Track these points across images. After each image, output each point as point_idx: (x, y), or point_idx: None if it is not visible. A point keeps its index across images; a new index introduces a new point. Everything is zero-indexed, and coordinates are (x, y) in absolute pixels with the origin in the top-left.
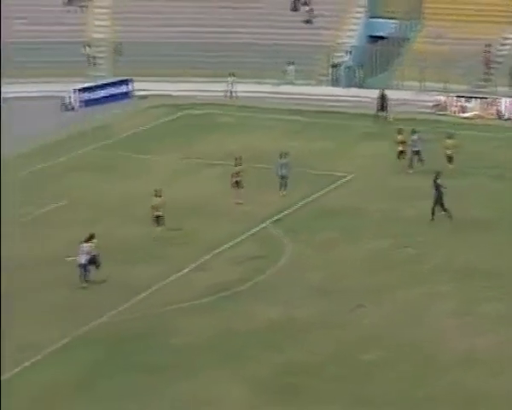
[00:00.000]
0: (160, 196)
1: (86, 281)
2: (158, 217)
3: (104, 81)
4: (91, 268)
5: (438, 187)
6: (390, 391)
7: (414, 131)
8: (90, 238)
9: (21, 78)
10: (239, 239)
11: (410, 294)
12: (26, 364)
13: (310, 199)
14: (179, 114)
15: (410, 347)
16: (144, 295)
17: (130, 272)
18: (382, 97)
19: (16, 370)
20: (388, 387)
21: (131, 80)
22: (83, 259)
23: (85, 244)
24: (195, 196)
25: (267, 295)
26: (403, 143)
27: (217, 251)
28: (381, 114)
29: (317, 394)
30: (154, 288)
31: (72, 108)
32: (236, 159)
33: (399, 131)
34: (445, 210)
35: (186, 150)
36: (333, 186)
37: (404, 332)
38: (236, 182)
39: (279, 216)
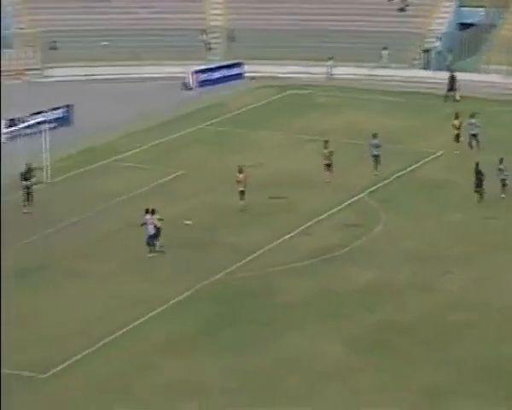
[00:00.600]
0: (242, 173)
1: (155, 251)
2: (241, 191)
3: (218, 64)
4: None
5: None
6: (475, 350)
7: (472, 115)
8: (153, 212)
9: (147, 60)
10: (337, 208)
11: (496, 261)
12: (152, 314)
13: (403, 172)
14: (284, 93)
15: (495, 310)
16: (253, 256)
17: (241, 236)
18: (452, 79)
19: (143, 319)
20: (474, 346)
21: (243, 63)
22: (151, 230)
23: (150, 216)
24: (298, 169)
25: (363, 260)
26: (458, 127)
27: (318, 219)
28: (450, 94)
29: (408, 352)
30: (262, 251)
31: (191, 88)
32: (326, 141)
33: (456, 116)
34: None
35: (290, 127)
36: (424, 161)
37: (489, 297)
38: (326, 164)
39: (374, 188)
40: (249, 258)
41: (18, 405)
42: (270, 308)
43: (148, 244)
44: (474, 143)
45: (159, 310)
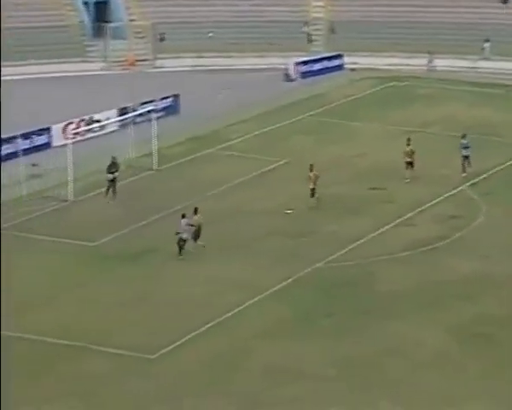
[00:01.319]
0: (313, 171)
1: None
2: (312, 189)
3: (320, 55)
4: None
5: None
6: None
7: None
8: (195, 212)
9: (250, 52)
10: (438, 200)
11: None
12: (254, 300)
13: (504, 166)
14: (384, 85)
15: None
16: (354, 246)
17: (341, 225)
18: None
19: (245, 304)
20: None
21: (343, 55)
22: (186, 235)
23: (186, 220)
24: (396, 161)
25: (464, 251)
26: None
27: (418, 210)
28: None
29: (508, 345)
30: (363, 240)
31: (292, 79)
32: (408, 139)
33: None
34: None
35: (389, 118)
36: None
37: None
38: (407, 162)
39: (475, 180)
40: (350, 247)
41: (128, 384)
42: (370, 297)
43: (181, 247)
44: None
45: (260, 296)
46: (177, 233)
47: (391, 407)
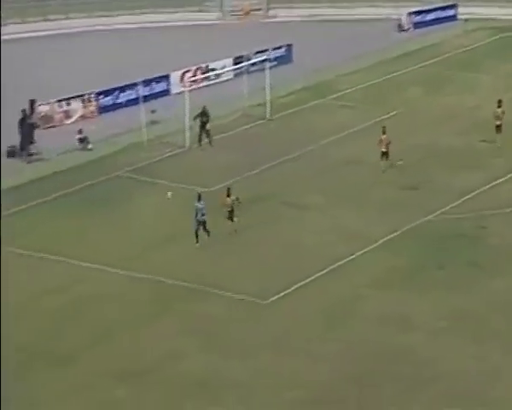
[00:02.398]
0: (385, 134)
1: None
2: (383, 152)
3: (433, 6)
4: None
5: None
6: None
7: None
8: (228, 194)
9: (362, 2)
10: None
11: None
12: (365, 249)
13: None
14: (499, 36)
15: None
16: (466, 198)
17: (454, 178)
18: None
19: (357, 254)
20: None
21: (457, 5)
22: (200, 217)
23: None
24: (509, 113)
25: None
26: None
27: None
28: None
29: None
30: (475, 193)
31: (405, 30)
32: (499, 101)
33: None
34: None
35: (504, 70)
36: None
37: None
38: (497, 125)
39: None
40: (461, 200)
41: (240, 328)
42: (482, 251)
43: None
44: None
45: (372, 246)
46: (196, 215)
47: (501, 359)
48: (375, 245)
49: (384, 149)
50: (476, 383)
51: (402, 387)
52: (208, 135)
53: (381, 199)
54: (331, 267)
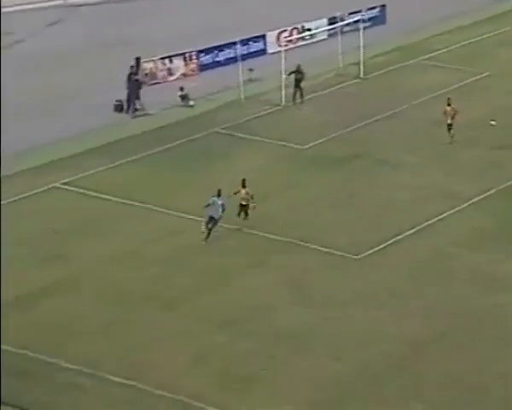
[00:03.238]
0: (450, 105)
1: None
2: (449, 124)
3: None
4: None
5: None
6: None
7: None
8: (243, 185)
9: None
10: None
11: None
12: (456, 209)
13: None
14: None
15: None
16: None
17: None
18: None
19: (448, 213)
20: None
21: None
22: (215, 213)
23: (220, 198)
24: None
25: None
26: None
27: None
28: None
29: None
30: None
31: None
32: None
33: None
34: None
35: None
36: None
37: None
38: None
39: None
40: None
41: (333, 280)
42: None
43: (209, 228)
44: None
45: (463, 205)
46: (207, 206)
47: None
48: (466, 204)
49: (449, 121)
50: None
51: (487, 346)
52: (301, 93)
53: (474, 159)
54: (422, 225)
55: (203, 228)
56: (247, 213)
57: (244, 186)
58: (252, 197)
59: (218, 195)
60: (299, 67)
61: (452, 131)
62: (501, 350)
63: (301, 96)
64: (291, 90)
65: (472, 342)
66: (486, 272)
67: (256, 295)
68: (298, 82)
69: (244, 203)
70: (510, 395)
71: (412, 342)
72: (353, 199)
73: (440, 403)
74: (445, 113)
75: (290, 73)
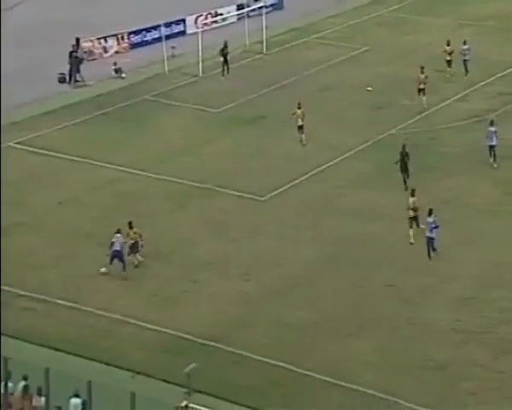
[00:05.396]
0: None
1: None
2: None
3: None
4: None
5: None
6: None
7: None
8: (130, 226)
9: None
10: (491, 79)
11: None
12: (341, 157)
13: None
14: None
15: None
16: (420, 116)
17: (412, 100)
18: None
19: (335, 161)
20: None
21: None
22: (117, 246)
23: (121, 235)
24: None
25: (510, 121)
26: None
27: (474, 88)
28: None
29: None
30: (428, 112)
31: None
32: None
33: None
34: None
35: (456, 14)
36: None
37: None
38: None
39: None
40: (418, 117)
41: (245, 218)
42: (434, 157)
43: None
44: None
45: (346, 155)
46: (111, 245)
47: (443, 240)
48: (348, 154)
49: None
50: (423, 256)
51: (367, 265)
52: (228, 66)
53: (354, 117)
54: (315, 171)
55: (103, 270)
56: (137, 251)
57: (131, 228)
58: (140, 236)
59: (118, 232)
60: (225, 43)
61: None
62: (378, 268)
63: (227, 67)
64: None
65: (355, 263)
66: (366, 206)
67: (180, 232)
68: (225, 56)
69: (133, 242)
70: (386, 302)
71: (307, 264)
72: (259, 152)
73: (330, 312)
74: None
75: (222, 50)
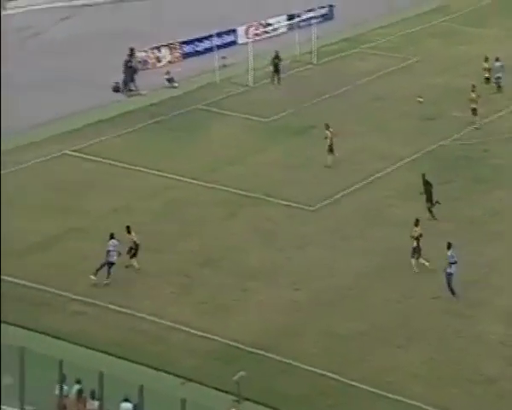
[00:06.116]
0: (475, 92)
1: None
2: (473, 109)
3: None
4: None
5: None
6: None
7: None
8: (128, 230)
9: None
10: None
11: None
12: (392, 167)
13: None
14: None
15: None
16: (471, 128)
17: (464, 111)
18: None
19: (385, 171)
20: None
21: None
22: (113, 257)
23: (114, 241)
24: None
25: None
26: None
27: None
28: None
29: None
30: (478, 124)
31: None
32: (473, 86)
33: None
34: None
35: (506, 25)
36: None
37: None
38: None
39: None
40: (469, 128)
41: (294, 227)
42: (485, 168)
43: (106, 268)
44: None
45: (397, 165)
46: (108, 252)
47: (493, 252)
48: (399, 164)
49: (473, 106)
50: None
51: (415, 274)
52: (278, 75)
53: (405, 127)
54: (365, 182)
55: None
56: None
57: (129, 232)
58: (135, 243)
59: (112, 237)
60: (277, 53)
61: (476, 113)
62: (427, 279)
63: (279, 77)
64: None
65: (404, 274)
66: (415, 217)
67: (229, 240)
68: (276, 66)
69: (134, 247)
70: (435, 314)
71: (356, 274)
72: (308, 161)
73: (379, 322)
74: (470, 100)
75: (273, 60)
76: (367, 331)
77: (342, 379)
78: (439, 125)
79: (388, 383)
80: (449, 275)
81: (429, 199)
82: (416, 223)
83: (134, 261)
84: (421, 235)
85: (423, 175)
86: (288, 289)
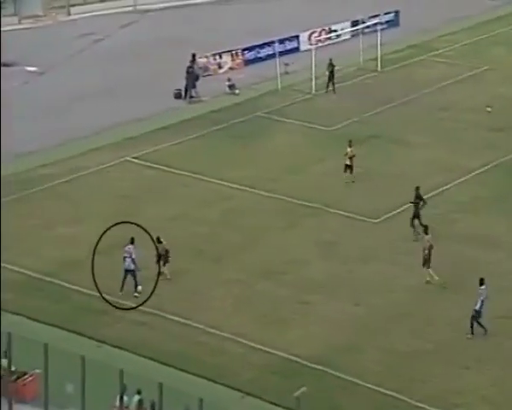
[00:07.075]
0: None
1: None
2: None
3: None
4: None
5: None
6: None
7: None
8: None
9: None
10: None
11: None
12: (458, 180)
13: None
14: None
15: None
16: None
17: None
18: None
19: (451, 184)
20: None
21: None
22: (129, 265)
23: (130, 246)
24: None
25: None
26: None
27: None
28: None
29: None
30: None
31: None
32: None
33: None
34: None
35: None
36: None
37: None
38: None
39: None
40: None
41: (356, 240)
42: None
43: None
44: None
45: (464, 178)
46: (125, 258)
47: None
48: (467, 177)
49: None
50: None
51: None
52: (333, 83)
53: (473, 139)
54: (430, 194)
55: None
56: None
57: (160, 242)
58: (167, 251)
59: (132, 242)
60: (330, 60)
61: None
62: (494, 298)
63: (333, 85)
64: (324, 80)
65: (469, 291)
66: (482, 232)
67: (290, 251)
68: (331, 73)
69: (164, 254)
70: (503, 335)
71: (418, 290)
72: (371, 172)
73: (444, 341)
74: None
75: (328, 68)
76: (431, 350)
77: (406, 399)
78: (508, 136)
79: (455, 405)
80: (477, 312)
81: (417, 215)
82: (426, 230)
83: (166, 269)
84: (431, 246)
85: (417, 188)
86: (350, 304)
